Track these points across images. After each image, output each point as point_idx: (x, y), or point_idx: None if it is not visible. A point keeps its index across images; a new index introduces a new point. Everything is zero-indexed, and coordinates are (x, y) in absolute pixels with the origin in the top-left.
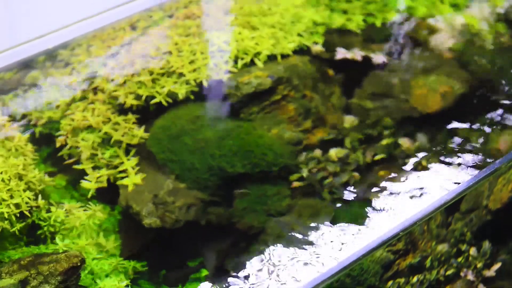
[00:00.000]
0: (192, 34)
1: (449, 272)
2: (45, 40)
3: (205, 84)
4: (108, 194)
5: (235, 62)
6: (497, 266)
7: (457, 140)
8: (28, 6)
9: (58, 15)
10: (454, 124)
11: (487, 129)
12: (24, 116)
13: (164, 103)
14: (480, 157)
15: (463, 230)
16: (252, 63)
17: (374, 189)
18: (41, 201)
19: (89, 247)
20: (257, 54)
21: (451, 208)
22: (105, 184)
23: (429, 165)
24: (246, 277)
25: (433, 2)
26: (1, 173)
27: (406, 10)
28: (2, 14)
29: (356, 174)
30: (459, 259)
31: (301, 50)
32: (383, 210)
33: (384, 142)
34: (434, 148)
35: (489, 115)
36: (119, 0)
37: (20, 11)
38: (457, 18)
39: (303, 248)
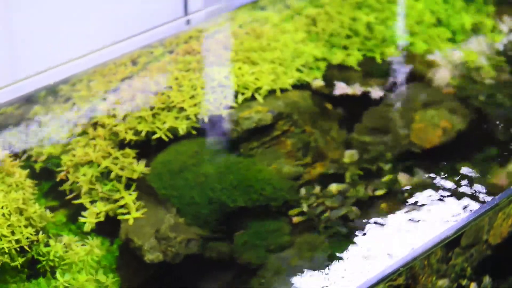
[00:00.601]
0: (192, 69)
1: None
2: (47, 75)
3: (205, 119)
4: (108, 228)
5: (236, 97)
6: None
7: (457, 175)
8: (30, 42)
9: (60, 50)
10: (454, 159)
11: (486, 165)
12: (25, 151)
13: (165, 138)
14: (480, 192)
15: (464, 265)
16: (252, 98)
17: (374, 224)
18: (41, 235)
19: (89, 284)
20: (258, 89)
21: (451, 243)
22: (103, 219)
23: (429, 200)
24: None
25: (432, 37)
26: (2, 208)
27: (405, 45)
28: (4, 50)
29: (356, 209)
30: None
31: (301, 85)
32: (384, 245)
33: (384, 176)
34: (434, 183)
35: (488, 150)
36: (120, 36)
37: (22, 47)
38: (456, 53)
39: (303, 284)
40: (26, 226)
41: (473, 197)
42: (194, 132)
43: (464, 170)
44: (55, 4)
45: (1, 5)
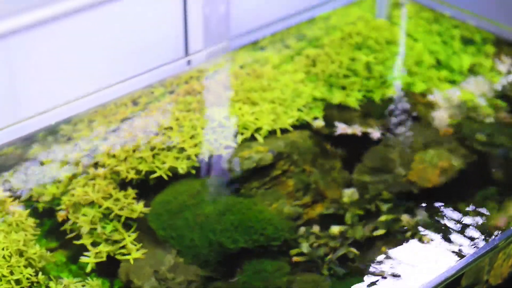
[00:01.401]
0: (192, 109)
1: None
2: (48, 115)
3: (205, 159)
4: (108, 268)
5: (236, 137)
6: None
7: (457, 216)
8: (31, 82)
9: (61, 91)
10: (454, 200)
11: (486, 205)
12: (25, 191)
13: (165, 177)
14: (480, 233)
15: None
16: (252, 138)
17: (374, 265)
18: (41, 276)
19: None
20: (258, 129)
21: (452, 283)
22: (104, 259)
23: (429, 241)
24: None
25: (431, 78)
26: (3, 249)
27: (404, 86)
28: (5, 90)
29: (355, 249)
30: None
31: (301, 125)
32: (383, 285)
33: (384, 217)
34: (434, 224)
35: (488, 191)
36: (121, 76)
37: (23, 88)
38: (455, 94)
39: None
40: (26, 267)
41: (473, 237)
42: (194, 172)
43: (464, 210)
44: (56, 45)
45: (2, 45)
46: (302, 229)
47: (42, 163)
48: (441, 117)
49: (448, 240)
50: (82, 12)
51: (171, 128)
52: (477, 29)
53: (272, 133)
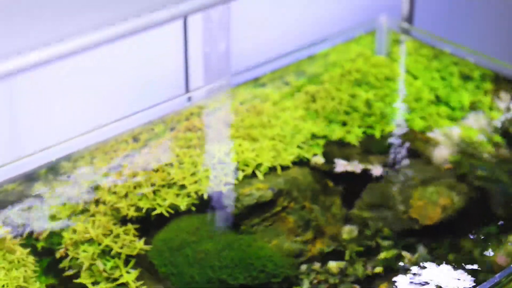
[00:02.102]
0: (193, 146)
1: None
2: (49, 152)
3: (206, 196)
4: None
5: (236, 174)
6: None
7: (457, 252)
8: (32, 119)
9: (62, 128)
10: (454, 236)
11: (487, 242)
12: (26, 228)
13: (166, 214)
14: (480, 270)
15: None
16: (253, 175)
17: None
18: None
19: None
20: (258, 166)
21: None
22: None
23: (429, 278)
24: None
25: (431, 114)
26: (3, 286)
27: (404, 122)
28: (6, 128)
29: (356, 286)
30: None
31: (301, 162)
32: None
33: (384, 253)
34: (434, 260)
35: (488, 228)
36: (122, 113)
37: (24, 125)
38: (454, 130)
39: None
40: None
41: (474, 275)
42: (194, 208)
43: (464, 247)
44: (57, 82)
45: (2, 83)
46: (303, 266)
47: (42, 200)
48: (441, 154)
49: (448, 277)
50: (83, 50)
51: (171, 164)
52: (476, 66)
53: (272, 169)
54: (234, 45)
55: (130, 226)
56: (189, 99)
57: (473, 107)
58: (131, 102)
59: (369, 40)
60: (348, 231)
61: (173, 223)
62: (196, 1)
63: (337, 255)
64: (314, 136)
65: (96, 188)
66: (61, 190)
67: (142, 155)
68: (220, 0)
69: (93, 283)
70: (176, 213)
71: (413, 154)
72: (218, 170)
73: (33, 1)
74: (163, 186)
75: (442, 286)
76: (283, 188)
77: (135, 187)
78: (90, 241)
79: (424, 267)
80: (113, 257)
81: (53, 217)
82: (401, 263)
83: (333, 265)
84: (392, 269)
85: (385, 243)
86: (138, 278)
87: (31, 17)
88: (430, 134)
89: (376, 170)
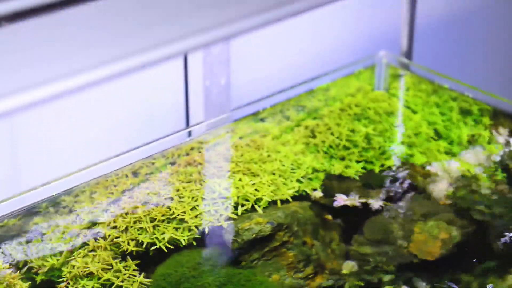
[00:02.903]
0: (193, 180)
1: None
2: (50, 187)
3: (206, 230)
4: None
5: (236, 208)
6: None
7: (458, 287)
8: (33, 154)
9: (63, 162)
10: (454, 271)
11: (486, 277)
12: (26, 263)
13: (165, 249)
14: None
15: None
16: (252, 209)
17: None
18: None
19: None
20: (258, 200)
21: None
22: None
23: None
24: None
25: (430, 149)
26: None
27: (403, 157)
28: (7, 162)
29: None
30: None
31: (301, 196)
32: None
33: None
34: None
35: (488, 263)
36: (122, 147)
37: (25, 159)
38: (454, 165)
39: None
40: None
41: None
42: (194, 243)
43: (464, 282)
44: (58, 117)
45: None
46: None
47: (43, 235)
48: (441, 188)
49: None
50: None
51: (171, 199)
52: (474, 100)
53: (272, 204)
54: (234, 80)
55: (130, 262)
56: (190, 133)
57: (472, 141)
58: (131, 137)
59: (369, 75)
60: (348, 266)
61: (173, 258)
62: (198, 39)
63: None
64: (314, 171)
65: (96, 222)
66: (61, 225)
67: (142, 189)
68: (221, 38)
69: None
70: (176, 247)
71: (412, 188)
72: (218, 205)
73: (35, 39)
74: (163, 220)
75: None
76: (283, 223)
77: (135, 222)
78: (90, 275)
79: None
80: None
81: (53, 252)
82: None
83: None
84: None
85: (386, 277)
86: None
87: (32, 54)
88: (429, 169)
89: (376, 204)
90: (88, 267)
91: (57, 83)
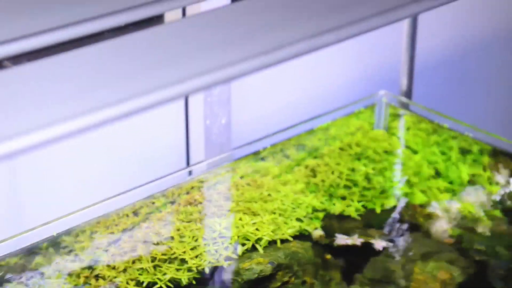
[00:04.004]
0: (194, 220)
1: None
2: (50, 227)
3: (206, 270)
4: None
5: (236, 248)
6: None
7: None
8: (33, 194)
9: (63, 202)
10: None
11: None
12: None
13: None
14: None
15: None
16: (253, 249)
17: None
18: None
19: None
20: (258, 240)
21: None
22: None
23: None
24: None
25: (430, 188)
26: None
27: (404, 196)
28: (7, 202)
29: None
30: None
31: (301, 236)
32: None
33: None
34: None
35: None
36: (122, 187)
37: (25, 198)
38: (454, 204)
39: None
40: None
41: None
42: (195, 283)
43: None
44: (59, 156)
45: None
46: None
47: (43, 275)
48: (441, 228)
49: None
50: (85, 130)
51: (172, 238)
52: (474, 140)
53: (272, 243)
54: (234, 119)
55: None
56: (190, 173)
57: (473, 181)
58: (132, 176)
59: (369, 114)
60: None
61: None
62: (199, 81)
63: None
64: (314, 210)
65: (97, 262)
66: (61, 264)
67: (142, 229)
68: (222, 80)
69: None
70: (176, 287)
71: (413, 228)
72: (218, 244)
73: (38, 81)
74: (163, 260)
75: None
76: (283, 262)
77: (135, 262)
78: None
79: None
80: None
81: None
82: None
83: None
84: None
85: None
86: None
87: (35, 96)
88: (430, 208)
89: (377, 244)
90: None
91: (59, 125)
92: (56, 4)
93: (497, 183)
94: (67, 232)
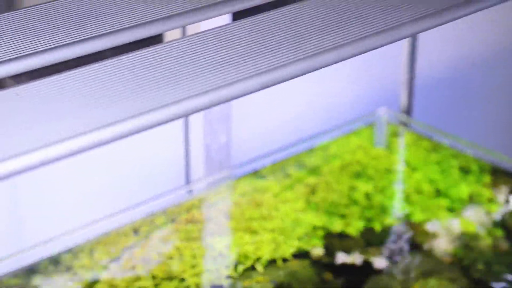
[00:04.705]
0: (193, 238)
1: None
2: (50, 246)
3: None
4: None
5: (236, 267)
6: None
7: None
8: (34, 212)
9: (63, 220)
10: None
11: None
12: None
13: None
14: None
15: None
16: (253, 267)
17: None
18: None
19: None
20: (258, 259)
21: None
22: None
23: None
24: None
25: (430, 207)
26: None
27: (404, 214)
28: (7, 221)
29: None
30: None
31: (301, 254)
32: None
33: None
34: None
35: None
36: (122, 205)
37: (25, 218)
38: (454, 223)
39: None
40: None
41: None
42: None
43: None
44: (59, 175)
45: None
46: None
47: None
48: (441, 246)
49: None
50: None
51: (171, 257)
52: (474, 158)
53: (272, 262)
54: (234, 137)
55: None
56: (190, 191)
57: (473, 199)
58: (131, 194)
59: (369, 132)
60: None
61: None
62: (200, 101)
63: None
64: (314, 228)
65: (96, 281)
66: (61, 283)
67: (142, 247)
68: (224, 100)
69: None
70: None
71: (413, 246)
72: (218, 263)
73: (41, 101)
74: (163, 279)
75: None
76: (283, 281)
77: (135, 280)
78: None
79: None
80: None
81: None
82: None
83: None
84: None
85: None
86: None
87: (39, 115)
88: (430, 227)
89: (377, 262)
90: None
91: (61, 145)
92: (57, 24)
93: (496, 201)
94: (67, 251)
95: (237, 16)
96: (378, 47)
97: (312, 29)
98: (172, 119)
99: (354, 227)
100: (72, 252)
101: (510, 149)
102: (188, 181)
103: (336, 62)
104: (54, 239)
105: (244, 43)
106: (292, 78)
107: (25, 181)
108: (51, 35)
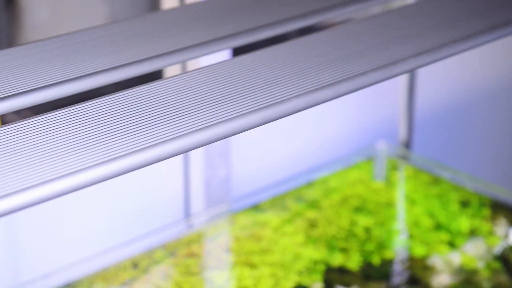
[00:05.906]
0: (193, 273)
1: None
2: (48, 281)
3: None
4: None
5: None
6: None
7: None
8: (32, 247)
9: (62, 255)
10: None
11: None
12: None
13: None
14: None
15: None
16: None
17: None
18: None
19: None
20: None
21: None
22: None
23: None
24: None
25: (430, 240)
26: None
27: (403, 248)
28: (6, 254)
29: None
30: None
31: None
32: None
33: None
34: None
35: None
36: (122, 239)
37: (23, 253)
38: (454, 257)
39: None
40: None
41: None
42: None
43: None
44: (57, 208)
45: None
46: None
47: None
48: (441, 280)
49: None
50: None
51: None
52: (473, 191)
53: None
54: (234, 171)
55: None
56: (190, 225)
57: (472, 233)
58: (131, 228)
59: (368, 166)
60: None
61: None
62: (200, 136)
63: None
64: (314, 262)
65: None
66: None
67: (141, 281)
68: (222, 136)
69: None
70: None
71: (412, 280)
72: None
73: (43, 136)
74: None
75: None
76: None
77: None
78: None
79: None
80: None
81: None
82: None
83: None
84: None
85: None
86: None
87: (31, 152)
88: (430, 261)
89: None
90: None
91: (60, 182)
92: (56, 60)
93: (496, 235)
94: (66, 285)
95: (237, 52)
96: (377, 83)
97: (311, 65)
98: (172, 156)
99: (354, 262)
100: (71, 287)
101: (509, 183)
102: (187, 215)
103: (335, 98)
104: (52, 274)
105: (244, 78)
106: (291, 113)
107: (23, 216)
108: (50, 71)
